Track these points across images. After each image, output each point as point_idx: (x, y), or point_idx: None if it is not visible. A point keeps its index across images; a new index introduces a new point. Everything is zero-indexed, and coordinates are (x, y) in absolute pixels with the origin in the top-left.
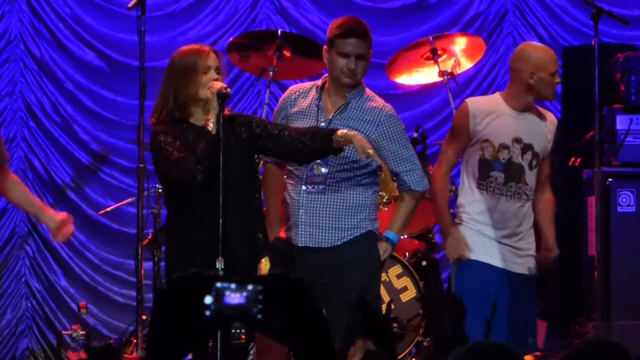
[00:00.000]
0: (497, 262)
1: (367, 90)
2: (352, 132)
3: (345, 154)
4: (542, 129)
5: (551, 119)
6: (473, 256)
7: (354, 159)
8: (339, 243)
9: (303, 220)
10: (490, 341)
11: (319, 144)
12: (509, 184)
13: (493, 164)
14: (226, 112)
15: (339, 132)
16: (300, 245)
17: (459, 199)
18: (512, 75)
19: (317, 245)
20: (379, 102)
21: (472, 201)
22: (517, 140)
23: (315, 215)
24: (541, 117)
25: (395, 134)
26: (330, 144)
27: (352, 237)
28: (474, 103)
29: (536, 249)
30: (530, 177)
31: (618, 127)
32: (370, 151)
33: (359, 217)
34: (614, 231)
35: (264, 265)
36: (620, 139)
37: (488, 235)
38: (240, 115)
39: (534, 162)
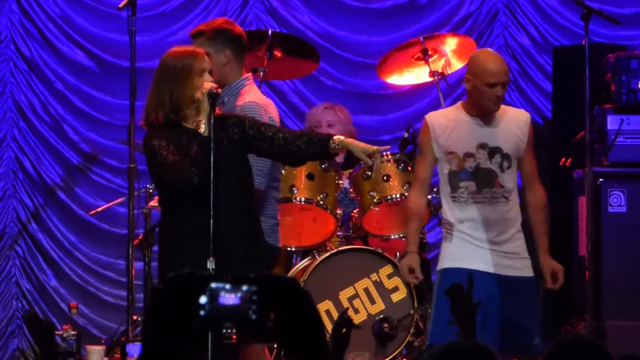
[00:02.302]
0: (483, 266)
1: (245, 89)
2: (349, 139)
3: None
4: (509, 128)
5: (519, 115)
6: (457, 264)
7: None
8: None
9: None
10: (465, 341)
11: (315, 149)
12: (483, 190)
13: (460, 174)
14: (218, 111)
15: (335, 138)
16: None
17: (442, 211)
18: None
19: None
20: (247, 97)
21: (450, 213)
22: (482, 146)
23: None
24: (507, 116)
25: None
26: (327, 149)
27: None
28: (433, 117)
29: (530, 252)
30: (505, 178)
31: (609, 127)
32: (374, 148)
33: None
34: (604, 231)
35: None
36: (611, 139)
37: (472, 242)
38: (232, 115)
39: (505, 164)
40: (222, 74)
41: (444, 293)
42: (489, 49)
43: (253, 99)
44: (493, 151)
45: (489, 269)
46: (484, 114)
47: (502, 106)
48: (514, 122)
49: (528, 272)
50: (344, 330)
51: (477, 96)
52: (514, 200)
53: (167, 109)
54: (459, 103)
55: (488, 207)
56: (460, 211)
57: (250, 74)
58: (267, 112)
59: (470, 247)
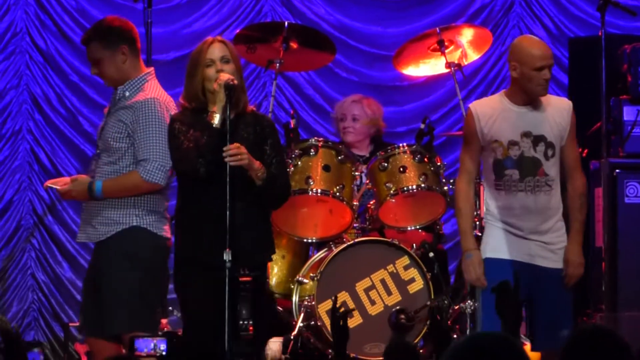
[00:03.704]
0: (523, 257)
1: (147, 84)
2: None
3: (105, 136)
4: (552, 117)
5: (561, 103)
6: (498, 254)
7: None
8: (103, 238)
9: (83, 217)
10: (490, 332)
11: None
12: (526, 178)
13: (505, 162)
14: (252, 108)
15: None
16: (79, 242)
17: (484, 201)
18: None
19: (91, 242)
20: (148, 93)
21: (493, 201)
22: (526, 134)
23: (88, 211)
24: (549, 104)
25: (144, 121)
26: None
27: (115, 232)
28: (478, 106)
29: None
30: (548, 167)
31: (625, 118)
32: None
33: (122, 212)
34: (621, 222)
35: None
36: (627, 130)
37: (513, 233)
38: (270, 122)
39: (550, 152)
40: (124, 72)
41: (491, 290)
42: (529, 35)
43: (155, 95)
44: (537, 139)
45: (528, 259)
46: (530, 100)
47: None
48: (557, 110)
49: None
50: (342, 322)
51: (526, 82)
52: (556, 189)
53: (184, 97)
54: (502, 92)
55: (531, 195)
56: (504, 199)
57: (152, 68)
58: (167, 110)
59: (511, 237)
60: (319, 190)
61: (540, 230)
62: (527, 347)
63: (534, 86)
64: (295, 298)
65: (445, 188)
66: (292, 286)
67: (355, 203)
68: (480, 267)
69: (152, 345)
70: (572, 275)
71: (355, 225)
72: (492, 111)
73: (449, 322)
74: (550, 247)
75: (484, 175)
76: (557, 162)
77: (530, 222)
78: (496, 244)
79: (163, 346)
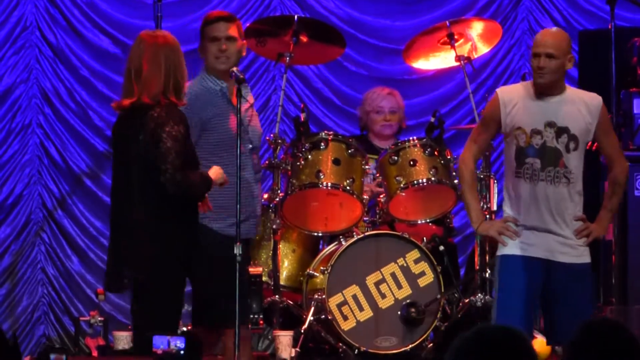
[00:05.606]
0: (541, 253)
1: None
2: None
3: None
4: (579, 110)
5: (591, 99)
6: (515, 251)
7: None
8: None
9: (249, 212)
10: (498, 325)
11: None
12: (547, 168)
13: (527, 150)
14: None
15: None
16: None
17: (504, 193)
18: None
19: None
20: None
21: (513, 191)
22: (550, 124)
23: (252, 206)
24: (579, 99)
25: None
26: None
27: None
28: (505, 93)
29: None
30: (569, 159)
31: (635, 111)
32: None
33: None
34: (631, 215)
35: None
36: (637, 123)
37: (531, 227)
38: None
39: (572, 145)
40: None
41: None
42: (555, 27)
43: None
44: (561, 130)
45: (547, 255)
46: (540, 90)
47: (575, 89)
48: (585, 106)
49: (585, 258)
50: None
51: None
52: (575, 182)
53: (176, 90)
54: (529, 81)
55: (550, 186)
56: (524, 188)
57: None
58: None
59: (528, 233)
60: (329, 184)
61: (557, 222)
62: (540, 341)
63: (533, 72)
64: (305, 292)
65: (456, 181)
66: (303, 280)
67: (365, 197)
68: (500, 221)
69: (167, 342)
70: (591, 230)
71: (365, 218)
72: (517, 98)
73: (459, 315)
74: (569, 242)
75: (506, 164)
76: (579, 157)
77: (547, 215)
78: (514, 241)
79: (179, 343)
